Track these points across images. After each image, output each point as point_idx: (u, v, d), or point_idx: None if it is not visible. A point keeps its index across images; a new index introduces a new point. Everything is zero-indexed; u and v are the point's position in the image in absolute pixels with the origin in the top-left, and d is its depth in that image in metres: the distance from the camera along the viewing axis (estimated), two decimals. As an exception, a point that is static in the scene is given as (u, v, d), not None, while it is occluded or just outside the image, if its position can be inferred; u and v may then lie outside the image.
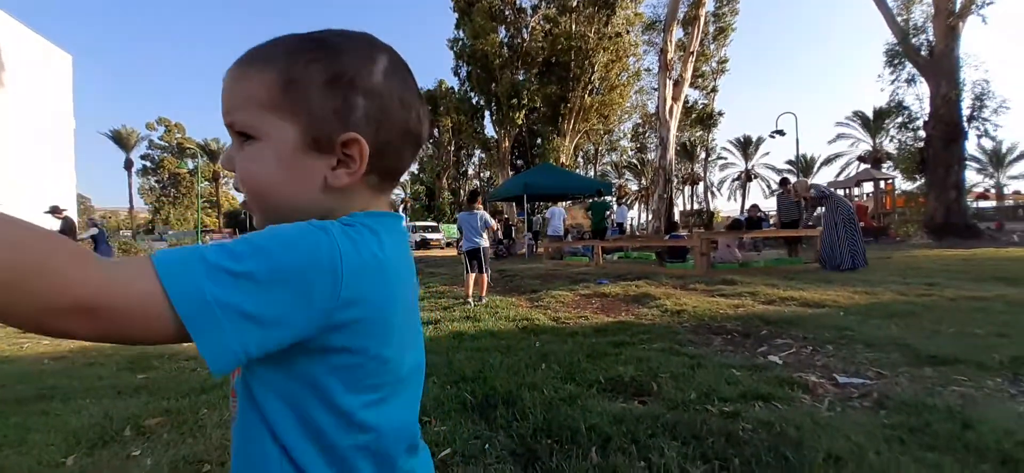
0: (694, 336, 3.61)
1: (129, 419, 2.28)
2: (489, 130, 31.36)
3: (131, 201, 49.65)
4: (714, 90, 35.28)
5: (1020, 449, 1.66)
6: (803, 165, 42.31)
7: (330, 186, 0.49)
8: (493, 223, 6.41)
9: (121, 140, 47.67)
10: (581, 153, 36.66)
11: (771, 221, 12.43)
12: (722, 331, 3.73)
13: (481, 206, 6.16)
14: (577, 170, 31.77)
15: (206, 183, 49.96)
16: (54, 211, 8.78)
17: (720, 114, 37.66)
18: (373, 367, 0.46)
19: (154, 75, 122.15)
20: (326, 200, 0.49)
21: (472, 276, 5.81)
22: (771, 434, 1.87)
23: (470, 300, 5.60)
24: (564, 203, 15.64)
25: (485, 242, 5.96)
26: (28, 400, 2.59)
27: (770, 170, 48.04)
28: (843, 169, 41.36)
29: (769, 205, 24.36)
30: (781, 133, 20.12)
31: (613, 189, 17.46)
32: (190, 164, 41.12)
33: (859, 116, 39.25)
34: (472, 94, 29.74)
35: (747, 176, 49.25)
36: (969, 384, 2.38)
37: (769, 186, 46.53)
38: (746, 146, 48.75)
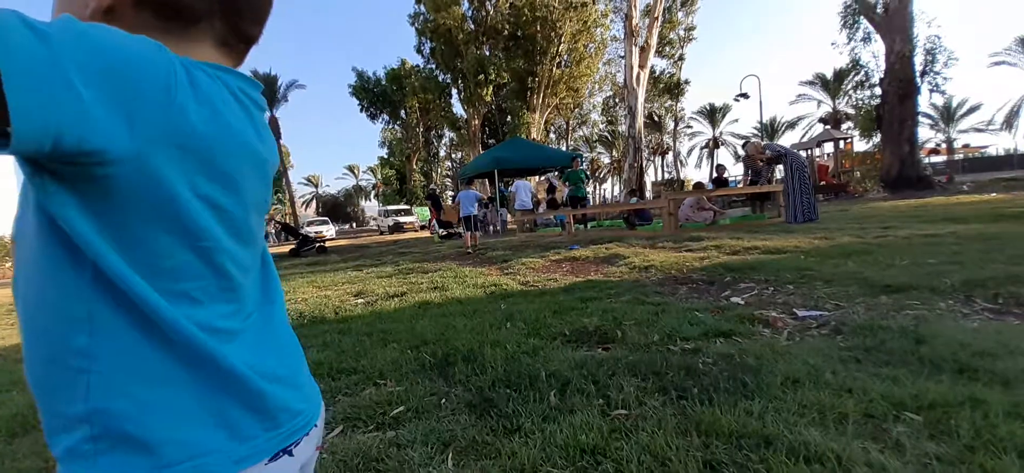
0: (661, 287, 3.60)
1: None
2: (457, 109, 30.77)
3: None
4: (681, 59, 35.40)
5: (976, 359, 1.68)
6: (768, 130, 43.26)
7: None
8: (483, 196, 10.11)
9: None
10: (553, 128, 36.43)
11: (739, 182, 12.64)
12: (688, 281, 3.73)
13: (475, 185, 9.01)
14: (550, 145, 31.62)
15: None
16: None
17: (687, 83, 37.86)
18: None
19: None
20: None
21: (468, 234, 8.14)
22: (730, 364, 1.85)
23: (471, 249, 7.78)
24: (534, 177, 15.51)
25: (477, 211, 8.38)
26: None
27: (736, 138, 48.99)
28: (807, 131, 42.45)
29: (738, 170, 24.87)
30: (745, 96, 20.40)
31: (583, 158, 17.28)
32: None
33: (820, 78, 40.15)
34: (438, 72, 28.99)
35: (714, 144, 50.06)
36: (922, 307, 2.43)
37: (736, 153, 47.44)
38: (712, 114, 49.40)
